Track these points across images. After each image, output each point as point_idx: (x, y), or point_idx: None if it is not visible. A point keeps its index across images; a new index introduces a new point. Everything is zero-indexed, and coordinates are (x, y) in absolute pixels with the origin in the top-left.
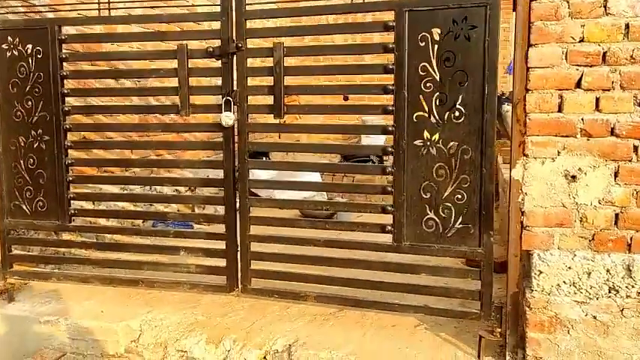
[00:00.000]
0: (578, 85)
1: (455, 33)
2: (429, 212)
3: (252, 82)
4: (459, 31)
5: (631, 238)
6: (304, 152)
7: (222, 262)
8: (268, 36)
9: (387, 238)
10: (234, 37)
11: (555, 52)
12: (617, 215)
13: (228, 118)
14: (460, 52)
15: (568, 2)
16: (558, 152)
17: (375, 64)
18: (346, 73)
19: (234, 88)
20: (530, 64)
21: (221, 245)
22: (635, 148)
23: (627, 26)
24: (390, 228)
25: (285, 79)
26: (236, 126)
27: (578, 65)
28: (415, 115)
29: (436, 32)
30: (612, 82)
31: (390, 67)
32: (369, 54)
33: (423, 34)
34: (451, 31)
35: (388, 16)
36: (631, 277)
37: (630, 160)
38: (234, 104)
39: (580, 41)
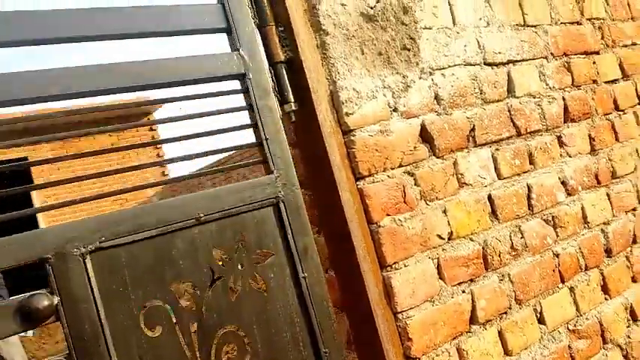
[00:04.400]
0: (472, 319)
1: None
2: None
3: None
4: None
5: None
6: None
7: None
8: None
9: None
10: None
11: (427, 272)
12: None
13: None
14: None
15: (413, 176)
16: None
17: None
18: None
19: None
20: (397, 307)
21: None
22: None
23: (491, 199)
24: None
25: None
26: None
27: (459, 283)
28: None
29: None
30: (507, 297)
31: None
32: None
33: None
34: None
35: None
36: None
37: None
38: None
39: (449, 239)
